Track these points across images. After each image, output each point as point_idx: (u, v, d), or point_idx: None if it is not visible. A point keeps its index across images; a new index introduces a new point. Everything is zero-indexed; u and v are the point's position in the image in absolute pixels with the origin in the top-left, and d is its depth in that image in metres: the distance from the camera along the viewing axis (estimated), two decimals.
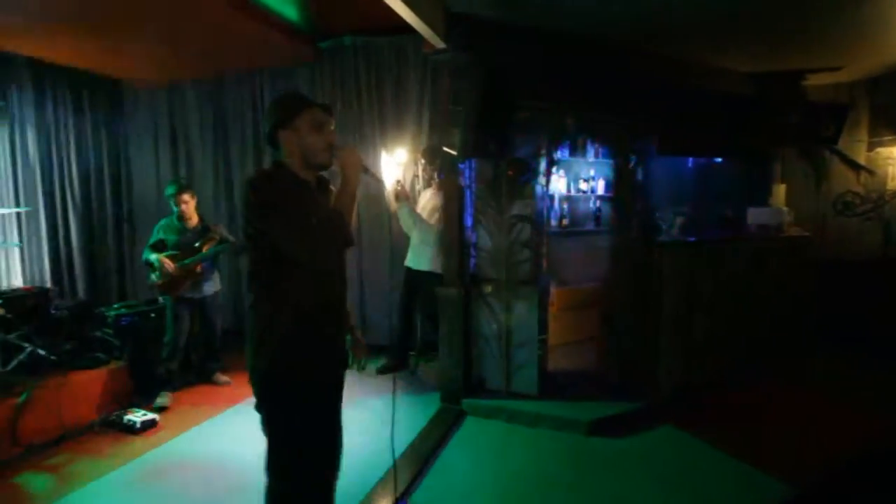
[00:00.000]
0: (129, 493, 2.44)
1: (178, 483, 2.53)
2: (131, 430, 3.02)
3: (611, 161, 4.62)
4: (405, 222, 3.73)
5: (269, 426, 1.56)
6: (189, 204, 3.54)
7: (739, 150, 4.13)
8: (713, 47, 3.60)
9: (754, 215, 4.09)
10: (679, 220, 3.92)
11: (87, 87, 4.87)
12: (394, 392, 1.95)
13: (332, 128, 1.59)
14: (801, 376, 3.76)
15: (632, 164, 3.25)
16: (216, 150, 5.05)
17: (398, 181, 3.60)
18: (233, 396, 3.53)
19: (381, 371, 3.95)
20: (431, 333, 3.87)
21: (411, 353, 4.08)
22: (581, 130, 3.61)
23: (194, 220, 3.60)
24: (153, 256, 3.43)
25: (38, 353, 3.14)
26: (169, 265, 3.39)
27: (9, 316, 3.13)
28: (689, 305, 3.28)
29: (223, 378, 3.81)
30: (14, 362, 3.03)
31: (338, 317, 1.65)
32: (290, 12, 3.85)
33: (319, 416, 1.64)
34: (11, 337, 3.13)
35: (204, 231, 3.60)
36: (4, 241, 4.22)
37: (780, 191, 4.46)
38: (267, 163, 4.86)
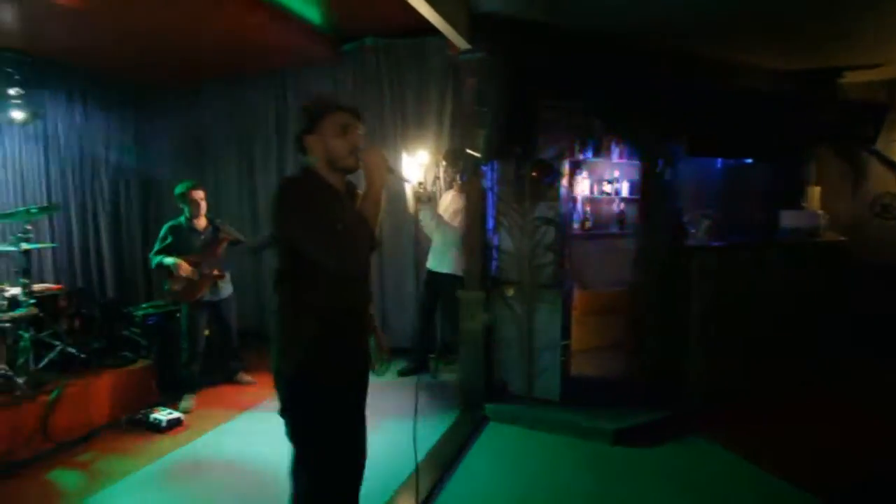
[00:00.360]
0: (156, 492, 2.48)
1: (203, 483, 2.56)
2: (157, 428, 3.07)
3: (637, 162, 4.54)
4: (427, 224, 3.71)
5: (295, 432, 1.55)
6: (202, 204, 3.46)
7: (771, 151, 3.99)
8: (745, 45, 3.49)
9: (787, 218, 3.95)
10: (706, 223, 3.80)
11: (116, 89, 4.98)
12: (416, 399, 1.90)
13: (360, 131, 1.57)
14: (837, 385, 3.61)
15: (660, 166, 3.16)
16: (239, 152, 5.11)
17: (420, 183, 3.58)
18: (254, 397, 3.56)
19: (402, 373, 3.94)
20: (452, 336, 3.84)
21: (431, 355, 4.05)
22: (607, 131, 3.53)
23: (203, 222, 3.51)
24: (168, 260, 3.31)
25: (69, 352, 3.21)
26: (186, 269, 3.31)
27: (41, 315, 3.21)
28: (719, 311, 3.17)
29: (246, 378, 3.84)
30: (45, 360, 3.10)
31: (362, 321, 1.63)
32: (313, 15, 3.88)
33: (345, 420, 1.63)
34: (43, 335, 3.21)
35: (215, 232, 3.53)
36: (38, 241, 4.34)
37: (814, 193, 4.29)
38: (290, 165, 4.91)
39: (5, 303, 2.97)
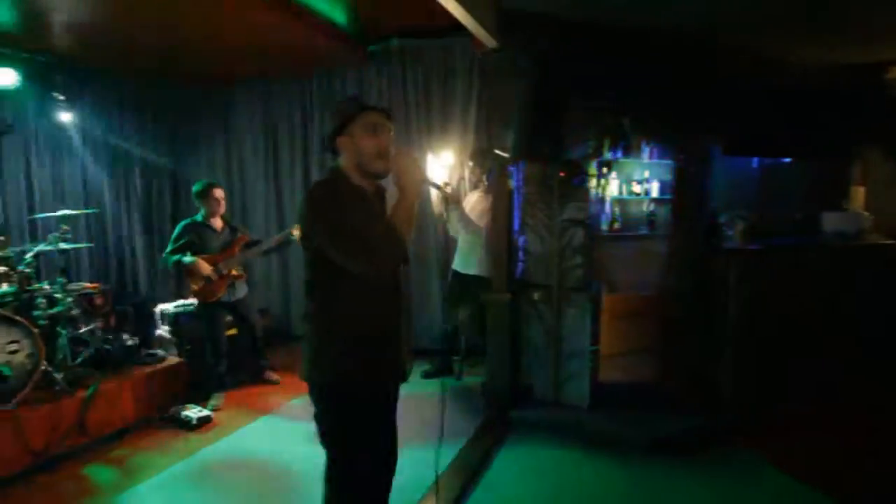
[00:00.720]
0: (187, 490, 2.52)
1: (231, 482, 2.59)
2: (188, 426, 3.12)
3: (669, 162, 4.41)
4: (453, 225, 3.68)
5: (329, 439, 1.54)
6: (221, 203, 3.43)
7: (813, 150, 3.82)
8: (785, 39, 3.34)
9: (830, 220, 3.77)
10: (741, 225, 3.66)
11: (149, 92, 5.10)
12: (442, 407, 1.84)
13: (390, 133, 1.54)
14: (885, 396, 3.43)
15: (694, 165, 3.05)
16: (266, 154, 5.17)
17: (446, 184, 3.55)
18: (281, 397, 3.59)
19: (427, 375, 3.92)
20: (477, 339, 3.80)
21: (455, 358, 4.02)
22: (638, 130, 3.43)
23: (219, 222, 3.49)
24: (188, 258, 3.27)
25: (104, 349, 3.30)
26: (206, 267, 3.29)
27: (78, 313, 3.31)
28: (757, 316, 3.04)
29: (274, 376, 3.87)
30: (82, 357, 3.19)
31: (396, 329, 1.60)
32: (339, 17, 3.89)
33: (378, 427, 1.61)
34: (80, 333, 3.31)
35: (232, 233, 3.53)
36: (75, 241, 4.48)
37: (858, 194, 4.09)
38: (315, 167, 4.95)
39: (45, 301, 3.07)
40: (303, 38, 3.92)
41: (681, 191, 3.20)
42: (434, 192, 3.53)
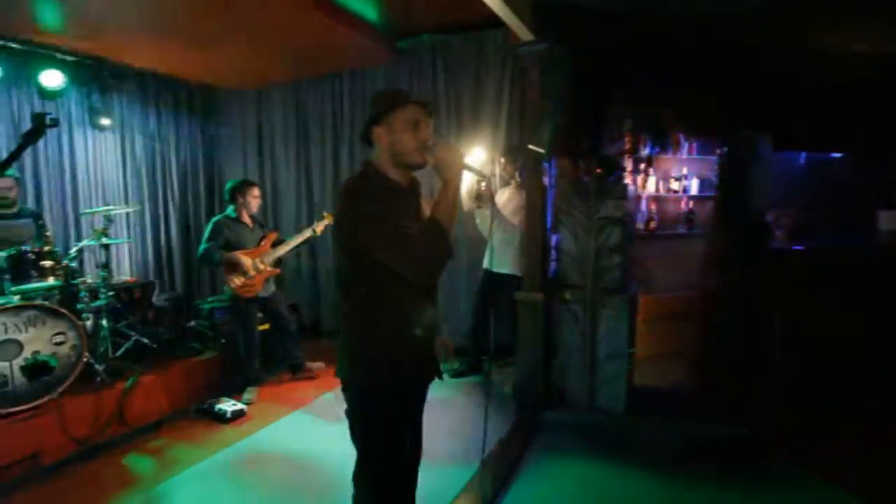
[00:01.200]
0: (222, 482, 2.55)
1: (264, 475, 2.61)
2: (222, 418, 3.17)
3: (710, 157, 4.24)
4: (484, 223, 3.62)
5: (362, 438, 1.52)
6: (257, 200, 3.49)
7: (868, 145, 3.58)
8: (836, 29, 3.14)
9: (887, 219, 3.53)
10: (789, 224, 3.47)
11: (185, 92, 5.22)
12: (486, 410, 1.75)
13: (429, 127, 1.50)
14: None
15: (741, 160, 2.90)
16: (298, 151, 5.22)
17: (479, 181, 3.49)
18: (314, 393, 3.61)
19: (455, 375, 3.87)
20: (508, 338, 3.74)
21: (484, 357, 3.97)
22: (681, 124, 3.29)
23: (249, 219, 3.54)
24: (230, 254, 3.31)
25: (143, 342, 3.39)
26: (248, 262, 3.33)
27: (118, 306, 3.41)
28: (808, 321, 2.87)
29: (315, 365, 3.85)
30: (122, 349, 3.29)
31: (432, 329, 1.57)
32: (371, 13, 3.88)
33: (409, 428, 1.60)
34: (120, 325, 3.40)
35: (261, 228, 3.59)
36: (116, 237, 4.64)
37: None
38: (345, 165, 4.97)
39: (88, 294, 3.17)
40: (335, 36, 3.92)
41: (725, 187, 3.05)
42: (464, 189, 3.48)
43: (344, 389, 1.52)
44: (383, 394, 1.46)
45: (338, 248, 1.51)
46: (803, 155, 4.29)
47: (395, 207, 1.42)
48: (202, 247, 3.40)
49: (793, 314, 2.87)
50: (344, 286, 1.51)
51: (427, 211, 1.54)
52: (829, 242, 3.39)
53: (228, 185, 3.55)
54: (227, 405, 3.23)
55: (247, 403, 3.38)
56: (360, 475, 1.55)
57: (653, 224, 4.27)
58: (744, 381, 2.98)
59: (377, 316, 1.46)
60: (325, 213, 3.76)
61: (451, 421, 3.04)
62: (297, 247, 3.68)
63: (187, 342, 3.72)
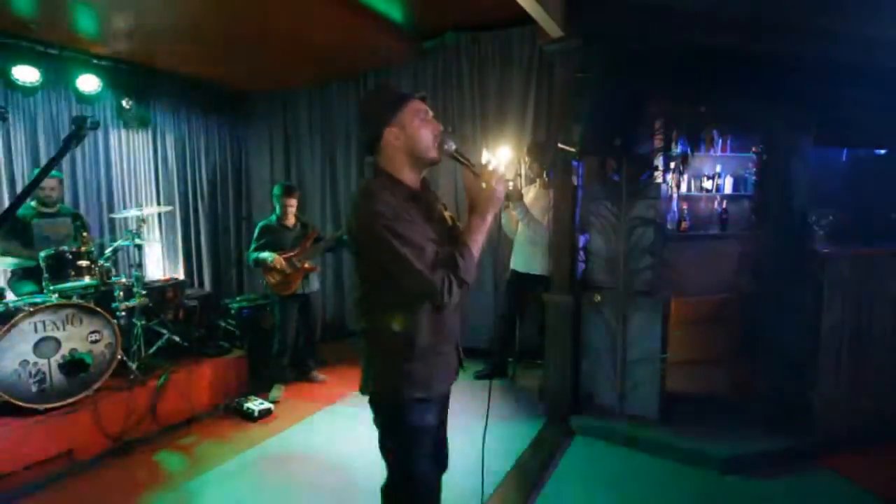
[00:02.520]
0: (251, 480, 2.57)
1: (293, 473, 2.62)
2: (250, 417, 3.20)
3: (746, 155, 4.09)
4: (510, 224, 3.57)
5: (391, 451, 1.50)
6: (294, 206, 3.66)
7: None
8: (880, 16, 2.97)
9: None
10: (834, 224, 3.30)
11: (214, 95, 5.32)
12: (487, 409, 1.70)
13: (433, 118, 1.43)
14: None
15: (781, 157, 2.78)
16: (323, 152, 5.27)
17: (507, 180, 3.43)
18: (337, 393, 3.63)
19: (479, 377, 3.83)
20: (535, 340, 3.67)
21: (510, 359, 3.91)
22: (718, 120, 3.16)
23: (292, 220, 3.69)
24: (265, 255, 3.48)
25: (174, 340, 3.45)
26: (282, 262, 3.47)
27: (150, 305, 3.47)
28: (856, 328, 2.72)
29: (320, 376, 3.89)
30: (154, 347, 3.35)
31: (454, 340, 1.53)
32: (396, 13, 3.87)
33: (434, 435, 1.56)
34: (152, 324, 3.47)
35: (303, 229, 3.71)
36: (148, 237, 4.75)
37: None
38: (370, 170, 4.96)
39: (122, 293, 3.24)
40: (361, 37, 3.94)
41: (764, 186, 2.92)
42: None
43: (371, 402, 1.49)
44: (405, 409, 1.42)
45: (355, 254, 1.44)
46: (845, 152, 4.10)
47: (415, 213, 1.37)
48: (248, 250, 3.66)
49: (842, 320, 2.72)
50: (359, 301, 1.47)
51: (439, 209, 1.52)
52: (880, 244, 3.20)
53: (274, 191, 3.71)
54: (255, 404, 3.26)
55: (273, 402, 3.41)
56: (389, 487, 1.53)
57: (685, 224, 4.14)
58: (785, 391, 2.84)
59: (395, 335, 1.40)
60: None
61: (468, 423, 2.99)
62: (332, 247, 3.75)
63: (216, 341, 3.78)
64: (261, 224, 3.69)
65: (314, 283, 3.74)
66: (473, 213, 1.40)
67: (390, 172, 1.41)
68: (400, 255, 1.28)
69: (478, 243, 1.37)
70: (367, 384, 1.48)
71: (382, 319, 1.41)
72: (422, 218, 1.38)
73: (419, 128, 1.38)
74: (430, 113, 1.43)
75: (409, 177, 1.42)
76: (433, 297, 1.32)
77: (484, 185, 1.38)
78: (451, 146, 1.41)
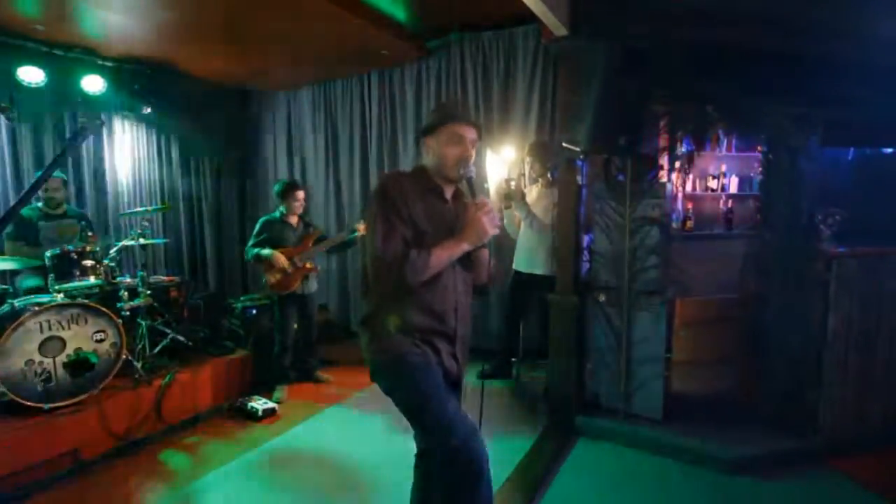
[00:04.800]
0: (255, 480, 2.57)
1: (298, 473, 2.63)
2: (254, 416, 3.21)
3: (751, 154, 4.07)
4: (512, 224, 3.56)
5: (406, 405, 1.57)
6: (301, 199, 3.59)
7: None
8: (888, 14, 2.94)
9: None
10: (836, 223, 3.27)
11: (219, 95, 5.33)
12: (481, 406, 1.77)
13: (472, 146, 1.59)
14: None
15: (788, 156, 2.75)
16: (327, 151, 5.26)
17: (509, 180, 3.42)
18: (341, 392, 3.61)
19: (483, 377, 3.81)
20: (539, 340, 3.66)
21: (514, 359, 3.90)
22: (722, 120, 3.14)
23: (295, 218, 3.64)
24: (266, 251, 3.44)
25: (178, 339, 3.46)
26: (283, 260, 3.43)
27: (155, 304, 3.48)
28: (863, 329, 2.70)
29: (324, 376, 3.87)
30: (159, 347, 3.36)
31: (453, 330, 1.62)
32: (400, 13, 3.86)
33: (441, 387, 1.58)
34: (157, 323, 3.48)
35: (306, 227, 3.66)
36: (153, 237, 4.77)
37: None
38: (373, 164, 4.97)
39: (127, 293, 3.25)
40: (365, 37, 3.93)
41: (770, 185, 2.90)
42: (493, 189, 3.42)
43: (373, 377, 1.59)
44: (402, 361, 1.53)
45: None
46: (852, 151, 4.07)
47: (422, 204, 1.54)
48: (247, 245, 3.59)
49: (849, 321, 2.70)
50: (364, 287, 1.61)
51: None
52: (889, 245, 3.18)
53: (275, 187, 3.65)
54: (259, 403, 3.27)
55: (277, 402, 3.41)
56: (422, 440, 1.62)
57: (689, 224, 4.13)
58: (791, 392, 2.82)
59: (390, 322, 1.53)
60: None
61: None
62: (336, 247, 3.71)
63: (221, 340, 3.78)
64: (263, 219, 3.63)
65: (313, 285, 3.70)
66: (456, 235, 1.55)
67: (426, 170, 1.64)
68: (374, 228, 1.48)
69: (440, 258, 1.50)
70: (369, 367, 1.60)
71: (375, 311, 1.57)
72: (430, 211, 1.55)
73: (446, 147, 1.57)
74: (469, 138, 1.58)
75: (440, 180, 1.62)
76: (374, 274, 1.49)
77: (475, 217, 1.52)
78: (470, 173, 1.58)
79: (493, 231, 1.53)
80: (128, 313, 3.20)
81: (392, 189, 1.51)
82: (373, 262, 1.49)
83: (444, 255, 1.50)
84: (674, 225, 4.02)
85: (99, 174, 4.48)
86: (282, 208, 3.61)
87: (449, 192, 1.64)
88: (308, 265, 3.55)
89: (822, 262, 2.63)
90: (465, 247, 1.53)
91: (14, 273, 3.44)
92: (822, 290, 2.63)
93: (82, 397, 2.73)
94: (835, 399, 2.69)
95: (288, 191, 3.56)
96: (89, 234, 3.24)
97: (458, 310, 1.61)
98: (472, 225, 1.53)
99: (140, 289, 3.28)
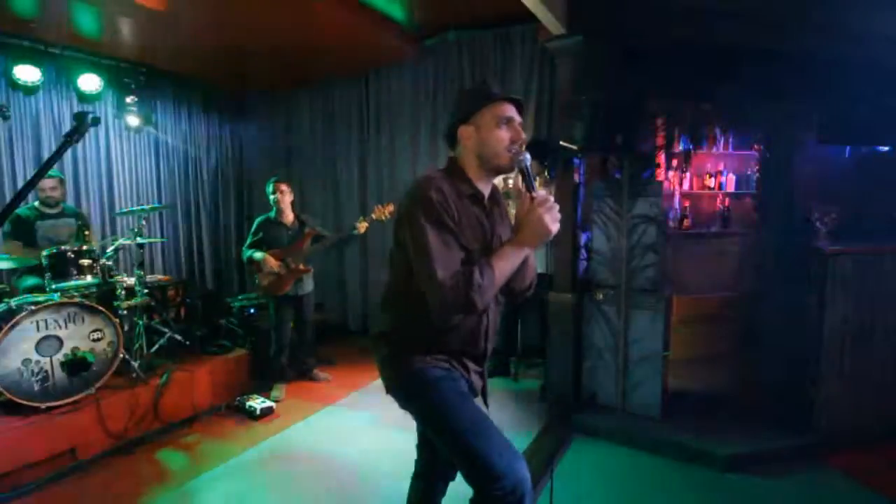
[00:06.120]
0: (253, 478, 2.57)
1: (295, 471, 2.62)
2: (252, 415, 3.21)
3: (748, 153, 4.08)
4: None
5: (435, 418, 1.40)
6: (285, 195, 3.55)
7: None
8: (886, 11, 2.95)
9: None
10: (829, 221, 3.29)
11: (216, 94, 5.33)
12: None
13: (519, 126, 1.37)
14: None
15: (784, 155, 2.76)
16: (325, 151, 5.26)
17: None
18: (339, 391, 3.61)
19: None
20: (537, 339, 3.67)
21: (512, 358, 3.91)
22: (719, 118, 3.15)
23: (290, 216, 3.62)
24: (257, 254, 3.45)
25: (176, 338, 3.45)
26: (274, 263, 3.43)
27: (153, 304, 3.48)
28: (859, 326, 2.71)
29: (322, 374, 3.87)
30: (157, 346, 3.35)
31: (482, 349, 1.46)
32: (397, 11, 3.86)
33: (465, 397, 1.45)
34: (154, 322, 3.48)
35: (301, 227, 3.65)
36: (150, 236, 4.75)
37: None
38: (371, 163, 4.97)
39: (124, 292, 3.24)
40: (362, 35, 3.93)
41: (767, 183, 2.91)
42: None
43: (391, 392, 1.45)
44: (424, 376, 1.38)
45: (395, 242, 1.39)
46: (849, 149, 4.08)
47: (462, 217, 1.31)
48: (244, 246, 3.61)
49: (846, 319, 2.71)
50: (386, 296, 1.45)
51: (506, 227, 1.46)
52: (885, 243, 3.19)
53: (266, 189, 3.66)
54: (257, 402, 3.27)
55: (275, 401, 3.41)
56: (459, 456, 1.37)
57: (687, 222, 4.14)
58: (787, 389, 2.84)
59: (414, 341, 1.39)
60: (365, 217, 3.73)
61: None
62: (333, 245, 3.71)
63: (218, 339, 3.78)
64: (259, 219, 3.64)
65: (308, 285, 3.68)
66: (514, 238, 1.31)
67: (462, 167, 1.40)
68: (425, 246, 1.24)
69: (503, 270, 1.27)
70: (385, 384, 1.45)
71: (398, 326, 1.41)
72: (472, 222, 1.34)
73: (492, 130, 1.34)
74: (518, 119, 1.37)
75: (478, 178, 1.40)
76: (434, 305, 1.25)
77: (535, 214, 1.26)
78: (526, 160, 1.32)
79: (555, 228, 1.26)
80: (125, 312, 3.19)
81: (437, 195, 1.26)
82: (431, 292, 1.23)
83: (506, 267, 1.27)
84: (671, 223, 4.04)
85: (95, 173, 4.47)
86: (274, 208, 3.59)
87: (485, 192, 1.41)
88: (301, 266, 3.53)
89: (817, 260, 2.64)
90: (527, 251, 1.30)
91: (11, 272, 3.42)
92: (819, 288, 2.64)
93: (79, 396, 2.72)
94: (832, 396, 2.70)
95: (271, 187, 3.58)
96: (86, 232, 3.23)
97: (489, 328, 1.44)
98: (531, 224, 1.26)
99: (137, 288, 3.27)
